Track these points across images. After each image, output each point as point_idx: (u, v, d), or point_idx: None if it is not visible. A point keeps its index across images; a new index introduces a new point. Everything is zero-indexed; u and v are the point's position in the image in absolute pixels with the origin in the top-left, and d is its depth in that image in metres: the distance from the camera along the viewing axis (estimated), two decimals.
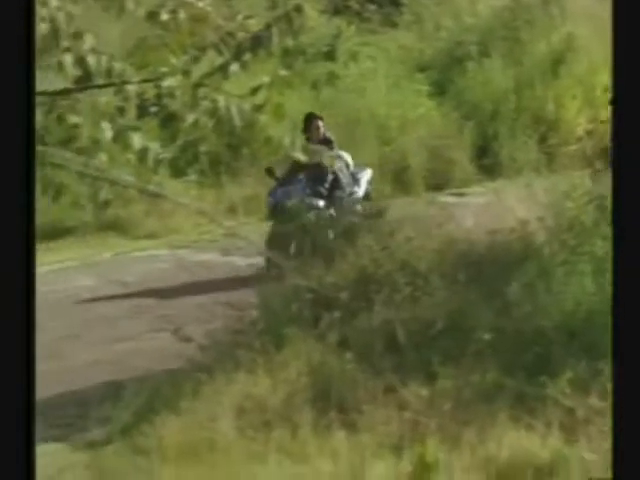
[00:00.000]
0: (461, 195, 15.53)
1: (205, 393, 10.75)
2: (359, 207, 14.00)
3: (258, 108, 4.98)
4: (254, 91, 5.00)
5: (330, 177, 13.96)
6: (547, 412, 10.27)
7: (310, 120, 14.00)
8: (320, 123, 13.97)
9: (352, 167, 14.52)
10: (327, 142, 13.77)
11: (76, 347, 11.83)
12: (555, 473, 9.62)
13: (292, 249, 12.88)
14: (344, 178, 14.08)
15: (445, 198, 15.23)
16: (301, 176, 13.87)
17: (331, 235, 12.44)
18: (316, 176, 13.85)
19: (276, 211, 13.56)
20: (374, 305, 11.70)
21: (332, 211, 13.88)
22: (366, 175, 14.54)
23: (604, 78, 16.78)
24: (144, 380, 11.09)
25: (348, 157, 14.32)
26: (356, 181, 14.32)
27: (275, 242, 13.23)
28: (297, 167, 13.52)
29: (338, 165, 13.96)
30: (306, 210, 13.48)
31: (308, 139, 13.67)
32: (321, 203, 13.90)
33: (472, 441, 10.31)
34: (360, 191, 14.42)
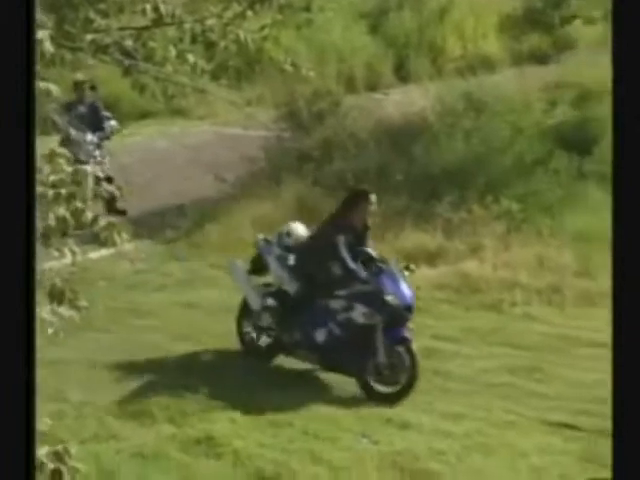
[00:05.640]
0: (386, 94, 15.27)
1: (233, 210, 10.77)
2: None
3: (264, 39, 4.84)
4: (261, 29, 4.86)
5: None
6: (434, 220, 10.34)
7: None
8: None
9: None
10: None
11: (159, 183, 11.76)
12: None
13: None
14: None
15: (376, 95, 15.01)
16: None
17: (308, 117, 12.24)
18: None
19: None
20: (334, 159, 11.66)
21: None
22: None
23: (470, 21, 16.61)
24: (197, 203, 11.08)
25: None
26: None
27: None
28: None
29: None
30: None
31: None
32: None
33: (390, 238, 10.37)
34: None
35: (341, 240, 6.55)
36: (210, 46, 4.70)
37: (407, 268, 6.84)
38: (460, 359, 7.52)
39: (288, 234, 6.97)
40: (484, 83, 12.28)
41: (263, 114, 12.83)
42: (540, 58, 15.71)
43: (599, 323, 8.35)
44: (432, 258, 9.91)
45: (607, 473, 5.23)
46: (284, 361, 6.93)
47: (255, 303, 6.91)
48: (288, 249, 6.93)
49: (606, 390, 7.01)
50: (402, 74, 16.19)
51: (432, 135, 11.44)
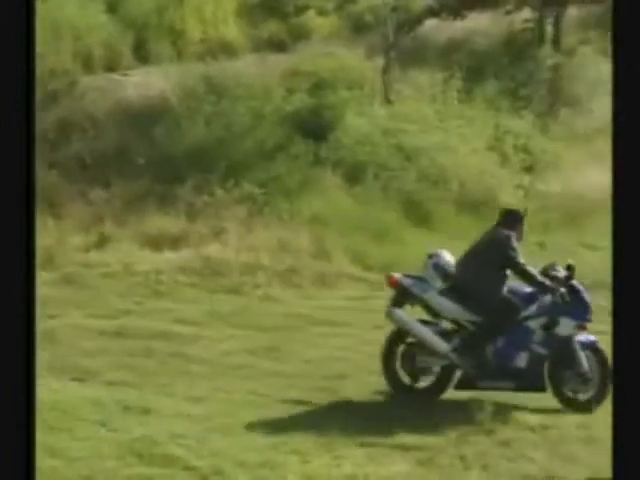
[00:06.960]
0: (126, 75, 14.88)
1: None
2: None
3: None
4: None
5: None
6: (177, 204, 10.24)
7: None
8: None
9: None
10: None
11: None
12: None
13: None
14: None
15: (116, 77, 14.58)
16: None
17: (41, 96, 11.64)
18: None
19: None
20: (71, 141, 11.21)
21: None
22: None
23: (210, 6, 16.55)
24: None
25: None
26: None
27: None
28: None
29: None
30: None
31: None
32: None
33: (132, 222, 10.13)
34: None
35: (519, 256, 6.09)
36: None
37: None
38: (202, 342, 7.48)
39: (445, 263, 6.31)
40: (225, 68, 12.31)
41: None
42: (278, 46, 15.97)
43: (333, 302, 8.64)
44: (175, 242, 9.81)
45: (346, 446, 5.39)
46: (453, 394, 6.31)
47: (441, 346, 6.20)
48: (446, 279, 6.29)
49: (338, 366, 7.23)
50: (142, 55, 15.81)
51: (173, 118, 11.32)
